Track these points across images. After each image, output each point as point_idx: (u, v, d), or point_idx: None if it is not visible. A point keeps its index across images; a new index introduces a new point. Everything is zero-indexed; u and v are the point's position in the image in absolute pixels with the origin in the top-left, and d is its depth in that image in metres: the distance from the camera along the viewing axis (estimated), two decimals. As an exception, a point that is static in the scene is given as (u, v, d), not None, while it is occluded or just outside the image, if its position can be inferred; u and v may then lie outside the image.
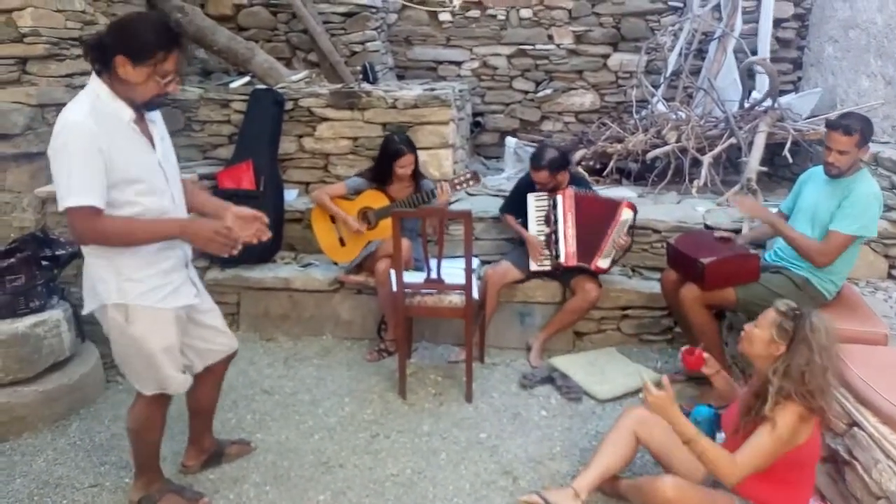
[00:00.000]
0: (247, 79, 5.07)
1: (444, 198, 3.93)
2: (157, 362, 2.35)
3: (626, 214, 3.70)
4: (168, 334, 2.36)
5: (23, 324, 3.14)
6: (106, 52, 2.12)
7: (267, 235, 2.37)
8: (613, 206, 3.74)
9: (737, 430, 2.25)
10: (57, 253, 3.37)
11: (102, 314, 2.31)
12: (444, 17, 5.95)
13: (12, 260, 3.23)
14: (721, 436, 2.77)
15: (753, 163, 4.60)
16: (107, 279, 2.24)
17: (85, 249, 2.28)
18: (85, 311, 2.38)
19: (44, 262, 3.32)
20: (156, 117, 2.36)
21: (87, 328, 3.44)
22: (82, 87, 2.21)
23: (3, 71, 3.81)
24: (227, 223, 2.26)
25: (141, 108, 2.25)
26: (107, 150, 2.10)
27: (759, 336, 2.24)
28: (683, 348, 2.72)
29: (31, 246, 3.34)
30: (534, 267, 3.84)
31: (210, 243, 2.24)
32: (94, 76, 2.18)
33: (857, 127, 2.95)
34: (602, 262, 3.74)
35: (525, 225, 3.91)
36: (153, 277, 2.28)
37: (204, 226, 2.27)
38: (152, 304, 2.28)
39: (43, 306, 3.27)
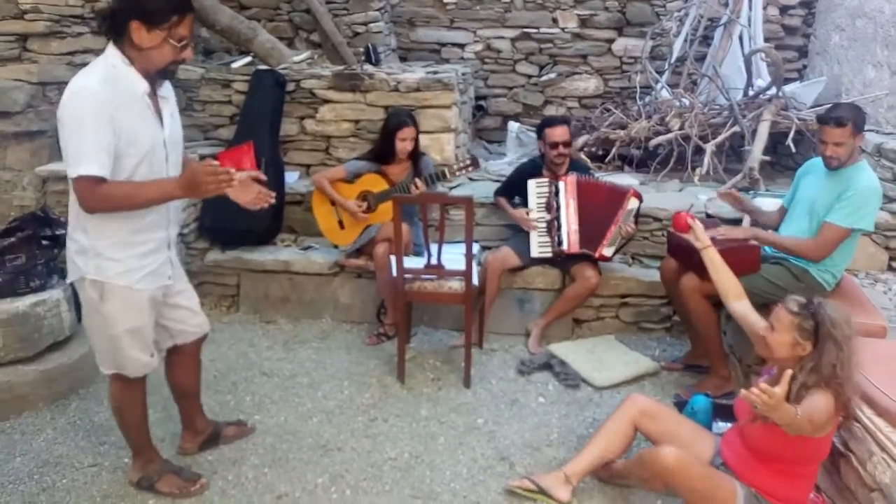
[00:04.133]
0: (248, 59, 5.04)
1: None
2: (120, 343, 2.36)
3: (632, 203, 3.70)
4: (139, 316, 2.36)
5: (23, 303, 3.14)
6: (119, 19, 2.12)
7: (270, 199, 2.38)
8: (620, 193, 3.73)
9: (755, 418, 2.24)
10: (57, 232, 3.36)
11: (80, 286, 2.33)
12: (448, -2, 5.90)
13: (13, 239, 3.24)
14: (719, 424, 2.80)
15: (756, 151, 4.59)
16: (86, 254, 2.25)
17: (70, 221, 2.28)
18: (67, 281, 2.39)
19: (44, 242, 3.32)
20: (168, 94, 2.34)
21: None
22: (83, 64, 2.21)
23: (3, 48, 3.80)
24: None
25: (156, 79, 2.24)
26: (117, 118, 2.09)
27: (780, 341, 2.20)
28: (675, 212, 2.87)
29: (32, 225, 3.33)
30: (534, 254, 3.84)
31: (209, 186, 2.14)
32: (110, 46, 2.17)
33: (849, 117, 2.94)
34: (607, 251, 3.74)
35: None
36: (131, 259, 2.28)
37: (195, 174, 2.14)
38: (129, 285, 2.28)
39: (43, 286, 3.28)
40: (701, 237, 2.79)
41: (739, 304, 2.64)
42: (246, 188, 2.42)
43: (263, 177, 2.42)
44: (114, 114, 2.09)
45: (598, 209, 3.73)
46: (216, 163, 2.21)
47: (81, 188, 2.10)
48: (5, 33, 3.79)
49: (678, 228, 2.88)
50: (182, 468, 2.72)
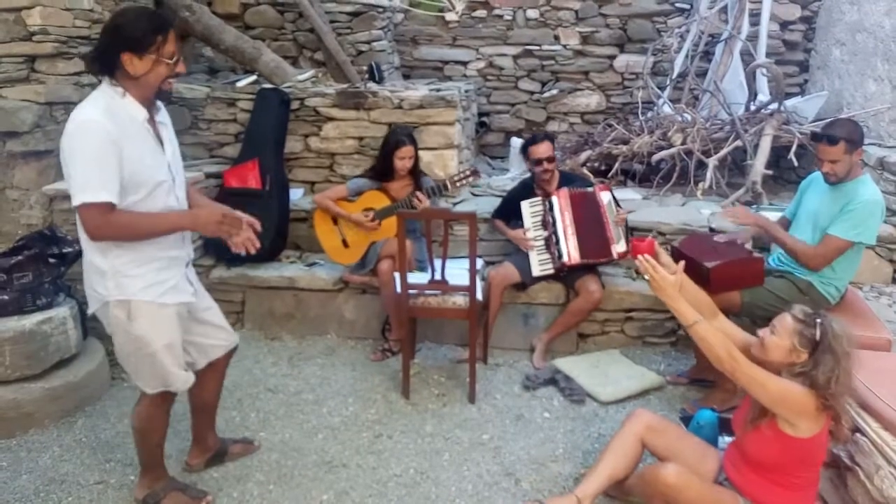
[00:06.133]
0: (253, 78, 5.09)
1: (423, 206, 3.85)
2: (159, 360, 2.37)
3: (606, 197, 3.80)
4: (170, 330, 2.38)
5: (30, 321, 3.16)
6: (109, 55, 2.17)
7: (256, 246, 2.40)
8: (593, 195, 3.81)
9: (746, 424, 2.26)
10: (64, 251, 3.39)
11: (104, 312, 2.34)
12: (451, 16, 5.96)
13: (20, 257, 3.26)
14: (725, 439, 2.79)
15: (759, 166, 4.60)
16: (105, 276, 2.26)
17: (84, 247, 2.30)
18: (89, 312, 2.41)
19: (51, 260, 3.34)
20: (165, 119, 2.39)
21: (91, 325, 3.46)
22: (90, 85, 2.27)
23: (11, 69, 3.83)
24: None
25: (153, 104, 2.30)
26: (121, 148, 2.13)
27: (778, 344, 2.21)
28: (634, 237, 2.74)
29: (39, 244, 3.36)
30: (536, 273, 3.84)
31: (219, 227, 2.30)
32: (105, 81, 2.22)
33: (841, 134, 2.97)
34: (620, 247, 3.76)
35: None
36: (150, 273, 2.31)
37: (212, 213, 2.33)
38: (153, 300, 2.30)
39: (50, 304, 3.30)
40: (665, 260, 2.56)
41: (717, 322, 2.55)
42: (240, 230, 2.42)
43: (259, 227, 2.45)
44: (119, 143, 2.12)
45: (590, 216, 3.79)
46: (228, 211, 2.33)
47: (88, 215, 2.13)
48: (14, 55, 3.83)
49: (633, 257, 2.54)
50: (188, 485, 2.73)
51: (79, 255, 3.36)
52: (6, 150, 3.88)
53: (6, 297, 3.18)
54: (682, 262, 2.49)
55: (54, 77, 3.92)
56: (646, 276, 2.36)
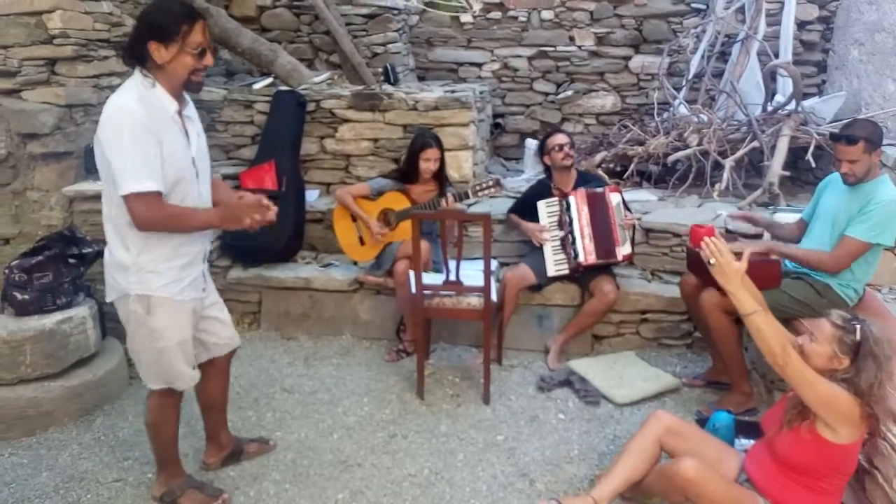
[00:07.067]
0: (270, 80, 5.13)
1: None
2: (169, 356, 2.41)
3: (615, 198, 3.81)
4: (184, 327, 2.42)
5: (50, 320, 3.21)
6: (139, 45, 2.22)
7: (272, 215, 2.37)
8: (603, 195, 3.82)
9: (781, 426, 2.24)
10: (84, 251, 3.44)
11: (123, 304, 2.37)
12: (466, 18, 5.97)
13: (40, 258, 3.32)
14: (741, 442, 2.77)
15: (776, 167, 4.57)
16: (128, 271, 2.30)
17: (109, 240, 2.34)
18: (107, 300, 2.44)
19: (71, 260, 3.39)
20: (193, 114, 2.43)
21: (110, 325, 3.50)
22: (109, 87, 2.31)
23: (32, 72, 3.89)
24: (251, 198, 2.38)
25: (183, 97, 2.33)
26: (155, 136, 2.17)
27: (818, 352, 2.19)
28: (694, 225, 2.71)
29: (59, 244, 3.41)
30: (551, 272, 3.84)
31: (246, 219, 2.30)
32: (137, 71, 2.26)
33: (861, 134, 2.94)
34: (625, 250, 3.77)
35: None
36: (172, 271, 2.34)
37: (235, 209, 2.35)
38: (172, 296, 2.34)
39: (69, 303, 3.34)
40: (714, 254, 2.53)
41: None
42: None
43: (265, 200, 2.42)
44: (153, 132, 2.16)
45: (601, 216, 3.79)
46: (249, 195, 2.33)
47: (138, 204, 2.16)
48: (35, 58, 3.88)
49: (695, 243, 2.79)
50: (205, 484, 2.75)
51: (98, 255, 3.43)
52: (27, 152, 3.93)
53: (27, 297, 3.23)
54: (749, 251, 2.46)
55: (74, 80, 3.97)
56: (711, 261, 2.31)
